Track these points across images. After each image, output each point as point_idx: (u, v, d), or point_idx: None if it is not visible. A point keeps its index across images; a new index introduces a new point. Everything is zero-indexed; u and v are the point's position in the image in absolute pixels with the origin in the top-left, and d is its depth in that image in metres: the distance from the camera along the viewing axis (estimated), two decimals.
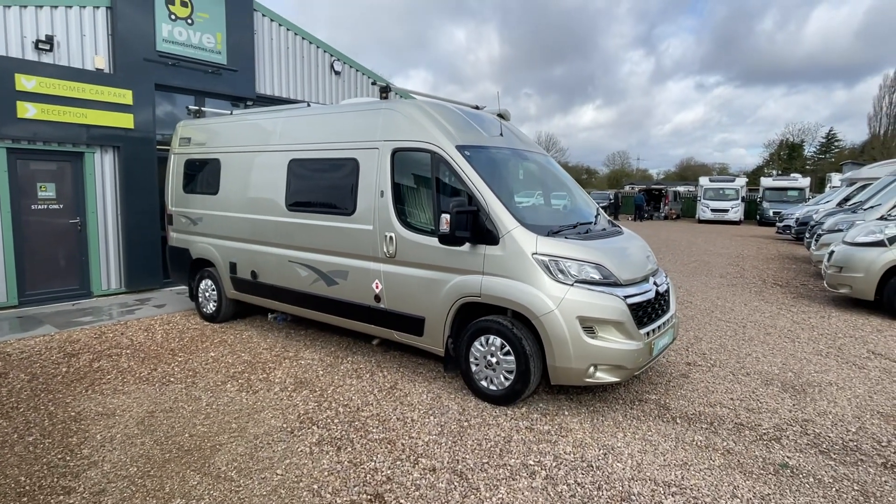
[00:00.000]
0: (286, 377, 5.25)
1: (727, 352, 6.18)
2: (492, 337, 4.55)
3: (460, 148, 4.84)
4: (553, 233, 4.59)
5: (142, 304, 8.31)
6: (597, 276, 4.36)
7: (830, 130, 60.00)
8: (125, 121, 8.73)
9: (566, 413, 4.47)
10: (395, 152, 5.14)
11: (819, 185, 40.18)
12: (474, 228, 4.54)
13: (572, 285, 4.27)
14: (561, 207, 5.53)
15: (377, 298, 5.30)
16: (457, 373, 5.14)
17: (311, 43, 11.62)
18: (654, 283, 4.83)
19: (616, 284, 4.40)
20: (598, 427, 4.22)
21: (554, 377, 4.35)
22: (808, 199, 30.69)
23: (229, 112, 7.41)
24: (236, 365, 5.61)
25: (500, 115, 6.13)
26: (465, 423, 4.24)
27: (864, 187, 17.17)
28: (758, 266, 13.22)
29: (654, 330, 4.58)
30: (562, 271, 4.31)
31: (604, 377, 4.29)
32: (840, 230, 10.66)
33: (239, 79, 10.18)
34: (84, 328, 6.92)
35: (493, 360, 4.55)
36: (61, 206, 8.40)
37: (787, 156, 60.06)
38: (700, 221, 32.40)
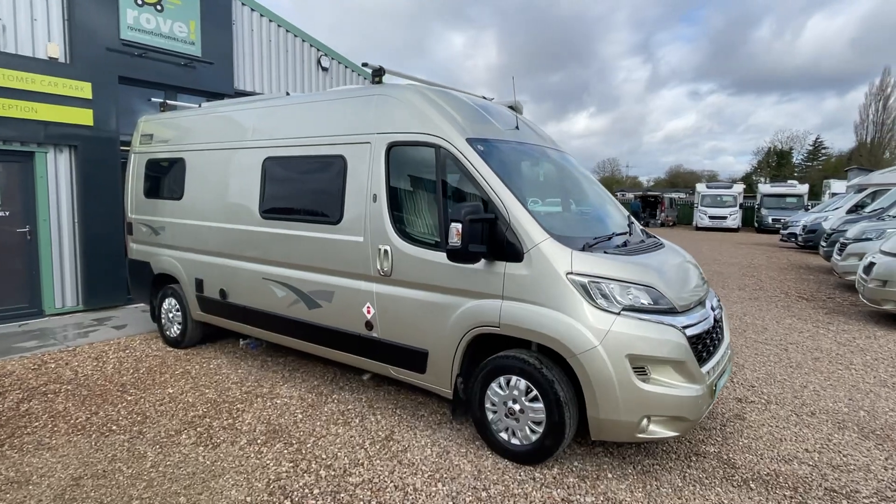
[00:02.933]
0: (256, 423, 4.27)
1: (778, 383, 5.28)
2: (514, 378, 3.61)
3: (472, 141, 3.92)
4: (588, 246, 3.67)
5: (99, 325, 7.28)
6: (648, 302, 3.44)
7: (817, 138, 59.99)
8: (83, 117, 7.72)
9: (609, 475, 3.53)
10: (390, 147, 4.21)
11: (812, 192, 39.77)
12: (492, 241, 3.62)
13: (619, 314, 3.34)
14: (589, 215, 4.61)
15: (369, 325, 4.35)
16: (467, 419, 4.20)
17: (296, 36, 10.70)
18: (711, 308, 3.93)
19: (671, 312, 3.48)
20: (654, 497, 3.29)
21: (596, 431, 3.42)
22: (807, 205, 30.21)
23: (197, 105, 6.44)
24: (197, 406, 4.62)
25: (512, 108, 5.22)
26: (484, 494, 3.29)
27: (874, 194, 16.55)
28: (774, 277, 12.41)
29: (714, 367, 3.67)
30: (605, 296, 3.39)
31: (659, 431, 3.36)
32: (868, 239, 9.88)
33: (215, 73, 9.22)
34: (24, 356, 5.89)
35: (516, 407, 3.61)
36: (7, 213, 7.37)
37: (776, 163, 59.85)
38: (698, 229, 31.72)
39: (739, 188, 32.50)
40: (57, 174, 7.71)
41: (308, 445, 3.89)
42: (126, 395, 4.87)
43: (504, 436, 3.70)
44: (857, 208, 16.41)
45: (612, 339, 3.28)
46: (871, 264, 7.85)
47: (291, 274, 4.88)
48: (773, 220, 28.86)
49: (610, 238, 4.03)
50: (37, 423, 4.26)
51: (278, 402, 4.70)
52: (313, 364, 5.67)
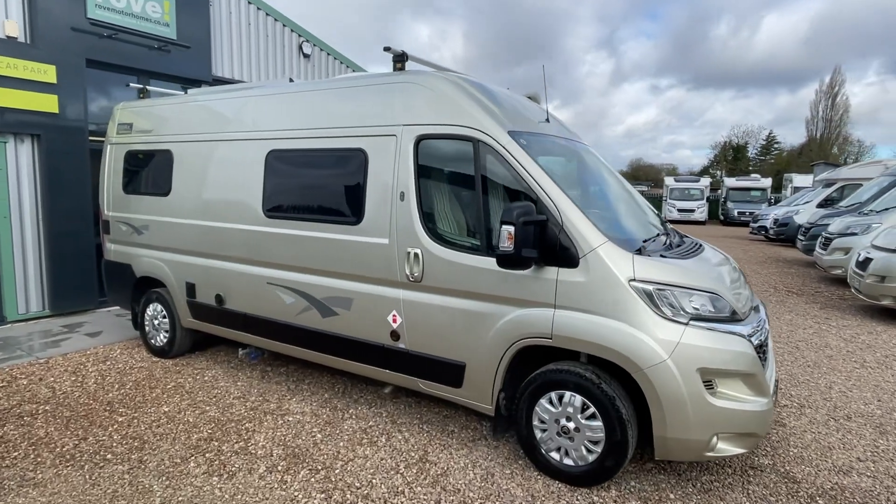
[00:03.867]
0: (272, 445, 3.86)
1: (802, 384, 5.18)
2: (568, 394, 3.31)
3: (514, 135, 3.59)
4: (643, 250, 3.41)
5: (70, 332, 6.64)
6: (713, 310, 3.20)
7: (770, 133, 61.92)
8: (47, 103, 7.01)
9: (672, 496, 3.29)
10: (419, 140, 3.83)
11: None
12: (543, 244, 3.30)
13: (687, 324, 3.09)
14: (629, 214, 4.33)
15: (395, 335, 3.98)
16: (505, 437, 3.90)
17: (276, 20, 10.10)
18: (763, 314, 3.74)
19: (735, 320, 3.25)
20: None
21: (662, 451, 3.17)
22: (770, 198, 31.15)
23: (183, 91, 5.87)
24: (200, 426, 4.16)
25: (531, 99, 4.91)
26: None
27: (843, 188, 17.05)
28: (757, 270, 12.56)
29: (770, 376, 3.47)
30: (672, 305, 3.12)
31: (728, 449, 3.14)
32: (854, 234, 10.05)
33: (192, 58, 8.57)
34: None
35: (571, 425, 3.32)
36: None
37: (733, 157, 61.59)
38: (666, 221, 32.16)
39: (706, 181, 33.19)
40: (18, 166, 6.98)
41: (336, 471, 3.51)
42: (115, 415, 4.36)
43: (555, 455, 3.41)
44: (827, 202, 16.90)
45: (683, 351, 3.02)
46: (868, 260, 7.92)
47: (302, 279, 4.45)
48: (738, 212, 29.58)
49: (654, 240, 3.78)
50: (16, 454, 3.73)
51: (290, 419, 4.29)
52: (319, 374, 5.26)
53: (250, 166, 4.74)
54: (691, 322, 3.10)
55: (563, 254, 3.28)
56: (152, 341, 5.80)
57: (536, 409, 3.45)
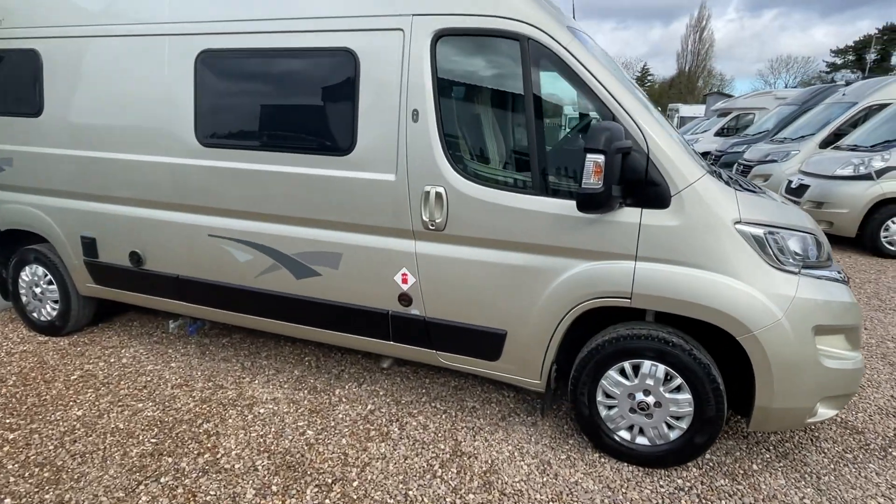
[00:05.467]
0: (251, 454, 2.90)
1: None
2: (647, 364, 2.70)
3: (574, 32, 2.71)
4: (730, 184, 2.79)
5: None
6: (817, 255, 2.71)
7: (644, 66, 65.27)
8: None
9: (754, 467, 2.87)
10: (438, 37, 2.80)
11: None
12: (625, 179, 2.54)
13: (799, 273, 2.56)
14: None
15: (405, 299, 3.09)
16: (548, 413, 3.28)
17: None
18: None
19: (829, 264, 2.79)
20: (826, 491, 2.70)
21: (760, 423, 2.69)
22: None
23: None
24: (138, 435, 3.06)
25: None
26: None
27: (737, 117, 18.13)
28: None
29: None
30: (782, 251, 2.56)
31: (825, 413, 2.74)
32: (774, 161, 10.45)
33: None
34: None
35: (650, 399, 2.74)
36: None
37: None
38: None
39: None
40: None
41: (353, 483, 2.68)
42: (3, 429, 3.10)
43: (625, 435, 2.84)
44: (723, 131, 17.92)
45: (798, 307, 2.49)
46: (802, 186, 8.15)
47: (262, 229, 3.34)
48: None
49: (718, 174, 3.18)
50: None
51: (262, 411, 3.31)
52: (276, 343, 4.24)
53: (172, 73, 3.39)
54: (803, 271, 2.56)
55: (651, 191, 2.55)
56: (35, 315, 4.36)
57: (603, 382, 2.81)
